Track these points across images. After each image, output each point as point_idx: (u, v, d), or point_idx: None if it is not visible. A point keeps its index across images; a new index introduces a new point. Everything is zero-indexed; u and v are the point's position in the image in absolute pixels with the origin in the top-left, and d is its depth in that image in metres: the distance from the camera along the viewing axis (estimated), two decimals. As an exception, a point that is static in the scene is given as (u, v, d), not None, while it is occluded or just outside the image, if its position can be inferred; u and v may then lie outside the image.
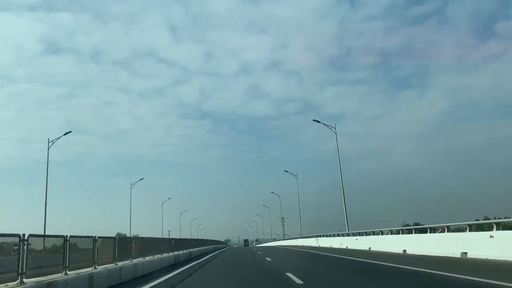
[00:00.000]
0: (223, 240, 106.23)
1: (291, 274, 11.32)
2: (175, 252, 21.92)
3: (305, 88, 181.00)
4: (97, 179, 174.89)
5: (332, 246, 33.60)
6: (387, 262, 14.33)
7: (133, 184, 57.89)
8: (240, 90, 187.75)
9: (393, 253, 19.99)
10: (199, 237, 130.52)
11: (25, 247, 7.39)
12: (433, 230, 19.60)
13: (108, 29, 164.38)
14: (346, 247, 29.61)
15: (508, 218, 20.27)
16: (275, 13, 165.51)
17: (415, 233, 20.87)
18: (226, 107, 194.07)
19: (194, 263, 20.66)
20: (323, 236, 40.20)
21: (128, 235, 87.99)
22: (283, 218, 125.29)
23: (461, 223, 17.20)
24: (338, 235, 35.16)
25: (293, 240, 61.30)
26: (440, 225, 19.32)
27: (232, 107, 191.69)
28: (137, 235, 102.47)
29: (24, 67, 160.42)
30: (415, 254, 17.71)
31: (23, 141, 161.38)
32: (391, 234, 23.82)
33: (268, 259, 21.33)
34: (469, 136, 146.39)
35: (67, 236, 9.21)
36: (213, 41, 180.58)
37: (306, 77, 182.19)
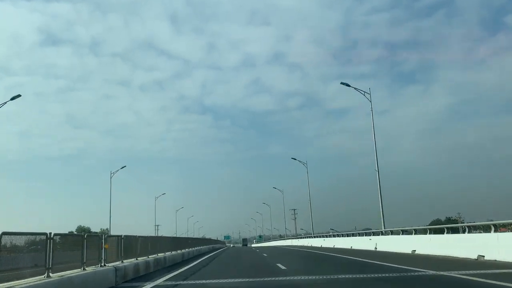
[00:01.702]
0: (216, 238, 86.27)
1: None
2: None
3: (308, 82, 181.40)
4: (97, 174, 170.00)
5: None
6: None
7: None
8: (242, 84, 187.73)
9: None
10: (194, 235, 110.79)
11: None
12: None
13: (108, 20, 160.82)
14: None
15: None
16: (279, 4, 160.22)
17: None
18: (227, 102, 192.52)
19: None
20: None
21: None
22: (295, 209, 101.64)
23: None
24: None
25: (328, 239, 37.21)
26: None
27: (234, 102, 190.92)
28: (106, 229, 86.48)
29: (22, 59, 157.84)
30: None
31: (23, 135, 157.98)
32: None
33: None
34: (473, 132, 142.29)
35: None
36: (215, 33, 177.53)
37: (309, 71, 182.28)
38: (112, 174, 50.19)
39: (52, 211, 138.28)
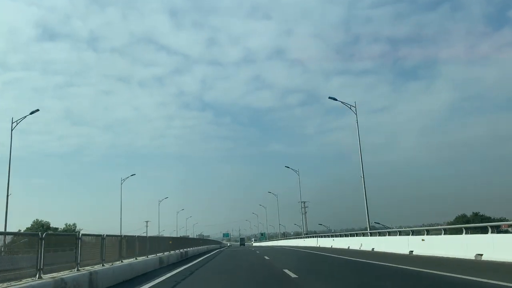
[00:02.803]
0: (204, 236, 73.26)
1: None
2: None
3: (309, 78, 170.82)
4: (96, 171, 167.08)
5: None
6: None
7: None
8: (243, 80, 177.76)
9: None
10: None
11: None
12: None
13: (106, 14, 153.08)
14: None
15: None
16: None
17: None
18: (228, 98, 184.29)
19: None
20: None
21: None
22: (304, 202, 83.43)
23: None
24: None
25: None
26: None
27: (234, 98, 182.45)
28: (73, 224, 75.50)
29: (18, 54, 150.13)
30: None
31: (21, 132, 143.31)
32: None
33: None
34: (476, 129, 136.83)
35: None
36: (215, 27, 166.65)
37: (310, 67, 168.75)
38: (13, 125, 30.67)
39: (48, 208, 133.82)
